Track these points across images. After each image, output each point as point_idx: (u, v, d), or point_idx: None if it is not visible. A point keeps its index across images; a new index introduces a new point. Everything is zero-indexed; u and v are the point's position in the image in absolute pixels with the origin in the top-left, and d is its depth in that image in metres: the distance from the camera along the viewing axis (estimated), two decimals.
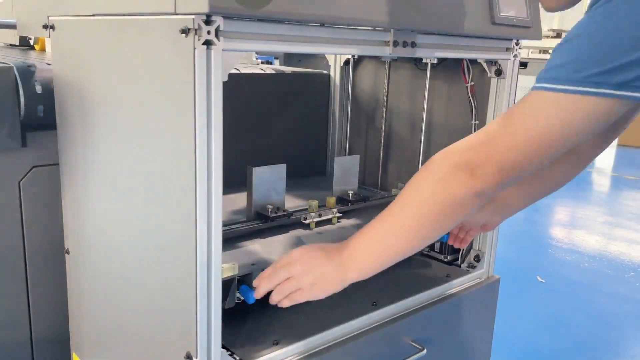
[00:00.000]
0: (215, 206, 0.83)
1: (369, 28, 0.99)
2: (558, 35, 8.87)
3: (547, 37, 8.94)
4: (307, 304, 0.95)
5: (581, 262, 3.57)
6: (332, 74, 1.75)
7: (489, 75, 1.35)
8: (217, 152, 0.81)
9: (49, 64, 1.24)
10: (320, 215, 1.31)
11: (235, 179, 1.61)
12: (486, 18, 1.16)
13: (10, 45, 2.19)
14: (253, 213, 1.27)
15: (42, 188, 1.28)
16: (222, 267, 0.91)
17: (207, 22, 0.76)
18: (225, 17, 0.78)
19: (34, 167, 1.27)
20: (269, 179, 1.28)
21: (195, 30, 0.75)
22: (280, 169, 1.30)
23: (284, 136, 1.70)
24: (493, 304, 1.47)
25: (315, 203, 1.33)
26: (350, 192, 1.45)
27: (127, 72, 0.94)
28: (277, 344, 1.01)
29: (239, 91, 1.53)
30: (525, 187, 1.18)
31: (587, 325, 2.73)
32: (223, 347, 0.90)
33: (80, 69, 1.09)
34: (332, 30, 0.92)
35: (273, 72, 1.67)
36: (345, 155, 1.79)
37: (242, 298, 1.00)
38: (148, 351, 1.02)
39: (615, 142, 7.96)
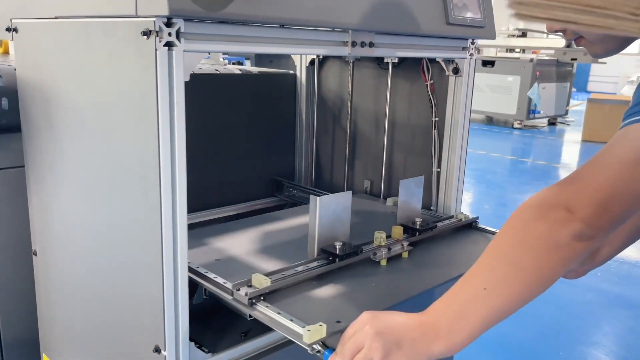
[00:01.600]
0: (179, 202, 0.86)
1: (328, 29, 1.02)
2: (524, 34, 9.11)
3: (514, 36, 9.17)
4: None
5: None
6: (298, 74, 1.79)
7: (447, 73, 1.40)
8: (180, 151, 0.84)
9: (13, 68, 1.25)
10: (389, 249, 1.16)
11: (204, 178, 1.63)
12: (441, 18, 1.21)
13: None
14: (317, 250, 1.11)
15: (7, 190, 1.28)
16: (309, 329, 0.82)
17: (168, 24, 0.79)
18: (185, 20, 0.80)
19: None
20: (334, 209, 1.12)
21: (157, 32, 0.78)
22: (346, 197, 1.14)
23: (251, 136, 1.72)
24: None
25: (382, 235, 1.19)
26: (417, 220, 1.29)
27: (90, 74, 0.96)
28: (245, 335, 1.04)
29: (205, 92, 1.55)
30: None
31: (552, 314, 2.83)
32: (191, 339, 0.93)
33: (44, 72, 1.10)
34: (290, 31, 0.96)
35: (240, 72, 1.69)
36: (312, 154, 1.83)
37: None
38: (117, 347, 1.04)
39: (579, 137, 8.19)
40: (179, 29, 0.80)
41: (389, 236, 1.23)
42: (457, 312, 0.74)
